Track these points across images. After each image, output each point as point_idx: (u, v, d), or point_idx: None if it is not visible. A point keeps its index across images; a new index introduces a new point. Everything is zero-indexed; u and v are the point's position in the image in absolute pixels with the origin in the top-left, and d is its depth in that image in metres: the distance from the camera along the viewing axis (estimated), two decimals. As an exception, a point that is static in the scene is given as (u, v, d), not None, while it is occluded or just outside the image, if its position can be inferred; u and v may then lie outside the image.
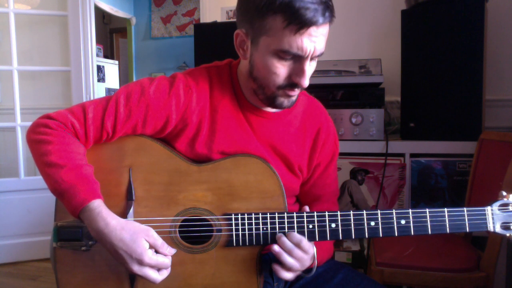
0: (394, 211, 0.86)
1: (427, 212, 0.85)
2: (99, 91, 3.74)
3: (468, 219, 0.85)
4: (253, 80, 0.89)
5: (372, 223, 0.85)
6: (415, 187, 1.75)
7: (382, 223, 0.85)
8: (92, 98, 2.16)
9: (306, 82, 0.84)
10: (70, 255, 0.89)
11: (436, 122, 1.72)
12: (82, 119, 0.87)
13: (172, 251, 0.85)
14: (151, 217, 0.89)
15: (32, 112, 2.50)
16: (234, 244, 0.87)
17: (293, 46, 0.79)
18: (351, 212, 0.86)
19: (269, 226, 0.86)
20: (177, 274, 0.87)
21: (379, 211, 0.86)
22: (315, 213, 0.86)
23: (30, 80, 2.71)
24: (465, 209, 0.85)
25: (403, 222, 0.85)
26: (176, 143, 0.93)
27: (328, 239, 0.87)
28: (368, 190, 1.80)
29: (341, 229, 0.86)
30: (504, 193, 0.86)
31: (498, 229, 0.85)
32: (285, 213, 0.87)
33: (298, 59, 0.83)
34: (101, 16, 6.69)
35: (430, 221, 0.85)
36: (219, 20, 2.75)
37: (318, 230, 0.86)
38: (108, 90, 5.21)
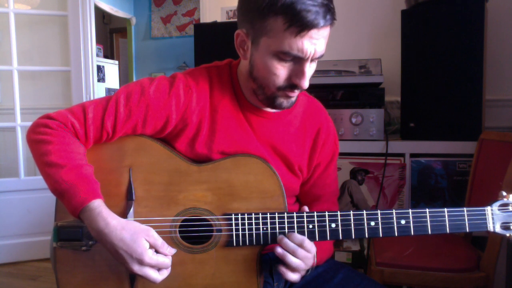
0: (394, 211, 0.86)
1: (427, 212, 0.85)
2: (99, 91, 3.74)
3: (468, 219, 0.85)
4: (253, 80, 0.89)
5: (372, 223, 0.85)
6: (415, 187, 1.75)
7: (382, 223, 0.85)
8: (92, 98, 2.16)
9: (306, 84, 0.84)
10: (70, 255, 0.89)
11: (436, 122, 1.72)
12: (82, 119, 0.87)
13: (172, 251, 0.85)
14: (151, 217, 0.89)
15: (32, 112, 2.50)
16: (234, 244, 0.87)
17: (294, 48, 0.79)
18: (351, 212, 0.86)
19: (269, 226, 0.86)
20: (177, 274, 0.87)
21: (379, 211, 0.86)
22: (315, 213, 0.86)
23: (30, 80, 2.71)
24: (465, 209, 0.85)
25: (403, 222, 0.85)
26: (176, 143, 0.93)
27: (328, 239, 0.87)
28: (368, 190, 1.80)
29: (341, 229, 0.86)
30: (504, 193, 0.86)
31: (498, 229, 0.85)
32: (285, 213, 0.87)
33: (298, 61, 0.83)
34: (101, 16, 6.69)
35: (430, 221, 0.85)
36: (219, 20, 2.75)
37: (318, 230, 0.86)
38: (108, 90, 5.20)
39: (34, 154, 0.86)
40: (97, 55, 4.08)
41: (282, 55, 0.81)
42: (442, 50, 1.69)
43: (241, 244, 0.87)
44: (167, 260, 0.83)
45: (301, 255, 0.84)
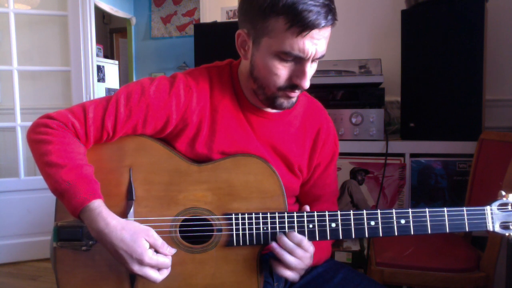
0: (394, 210, 0.86)
1: (427, 212, 0.85)
2: (99, 91, 3.74)
3: (468, 219, 0.85)
4: (254, 80, 0.89)
5: (372, 223, 0.86)
6: (415, 187, 1.75)
7: (382, 222, 0.85)
8: (92, 98, 2.16)
9: (306, 84, 0.84)
10: (70, 255, 0.89)
11: (436, 122, 1.72)
12: (83, 119, 0.87)
13: (172, 250, 0.85)
14: (152, 217, 0.89)
15: (32, 112, 2.50)
16: (235, 244, 0.87)
17: (295, 48, 0.79)
18: (351, 212, 0.86)
19: (269, 226, 0.87)
20: (177, 274, 0.87)
21: (379, 211, 0.86)
22: (315, 213, 0.86)
23: (30, 80, 2.71)
24: (464, 208, 0.86)
25: (403, 221, 0.85)
26: (176, 143, 0.93)
27: (328, 238, 0.87)
28: (368, 190, 1.80)
29: (341, 229, 0.86)
30: (503, 193, 0.86)
31: (497, 228, 0.85)
32: (285, 212, 0.87)
33: (299, 61, 0.83)
34: (101, 16, 6.69)
35: (430, 220, 0.85)
36: (219, 20, 2.75)
37: (318, 230, 0.86)
38: (108, 90, 5.20)
39: (34, 154, 0.86)
40: (97, 55, 4.09)
41: (283, 55, 0.81)
42: (442, 50, 1.69)
43: (241, 244, 0.87)
44: (167, 260, 0.83)
45: (299, 254, 0.84)
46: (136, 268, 0.80)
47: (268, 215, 0.87)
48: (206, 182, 0.89)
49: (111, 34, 7.13)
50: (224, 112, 0.93)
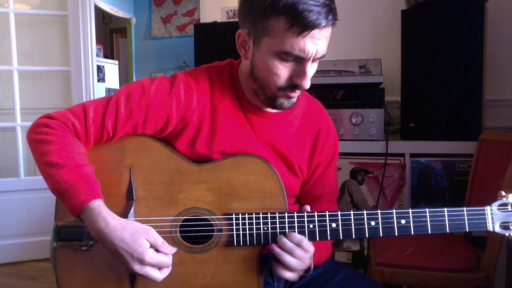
0: (394, 211, 0.86)
1: (427, 212, 0.85)
2: (99, 91, 3.74)
3: (468, 219, 0.85)
4: (254, 80, 0.89)
5: (373, 223, 0.86)
6: (415, 187, 1.75)
7: (382, 223, 0.85)
8: (92, 98, 2.16)
9: (307, 84, 0.84)
10: (70, 255, 0.89)
11: (436, 122, 1.72)
12: (83, 119, 0.87)
13: (173, 249, 0.85)
14: (152, 217, 0.89)
15: (32, 112, 2.50)
16: (235, 244, 0.87)
17: (295, 48, 0.79)
18: (352, 212, 0.86)
19: (269, 226, 0.87)
20: (177, 274, 0.87)
21: (379, 211, 0.86)
22: (316, 213, 0.86)
23: (30, 80, 2.71)
24: (464, 209, 0.86)
25: (403, 222, 0.85)
26: (176, 143, 0.93)
27: (329, 239, 0.87)
28: (368, 190, 1.80)
29: (342, 229, 0.86)
30: (503, 193, 0.87)
31: (497, 228, 0.85)
32: (286, 213, 0.87)
33: (299, 61, 0.83)
34: (101, 16, 6.69)
35: (430, 221, 0.85)
36: (219, 20, 2.75)
37: (318, 230, 0.86)
38: (108, 90, 5.20)
39: (35, 154, 0.86)
40: (97, 55, 4.09)
41: (284, 55, 0.81)
42: (442, 50, 1.69)
43: (241, 244, 0.87)
44: (167, 259, 0.83)
45: (298, 255, 0.84)
46: (137, 267, 0.80)
47: (268, 215, 0.87)
48: (206, 182, 0.89)
49: (111, 34, 7.13)
50: (224, 112, 0.93)
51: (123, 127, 0.89)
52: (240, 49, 0.90)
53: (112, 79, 5.45)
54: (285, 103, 0.89)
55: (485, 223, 0.85)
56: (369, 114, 1.77)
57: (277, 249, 0.85)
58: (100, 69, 5.07)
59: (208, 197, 0.89)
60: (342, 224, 0.86)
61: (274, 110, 0.96)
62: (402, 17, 1.78)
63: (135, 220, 0.87)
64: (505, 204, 0.86)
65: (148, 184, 0.90)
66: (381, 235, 0.85)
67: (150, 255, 0.81)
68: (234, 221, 0.88)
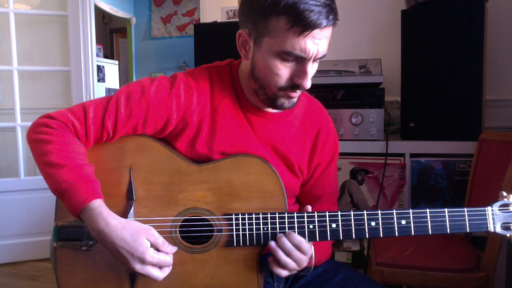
0: (394, 211, 0.86)
1: (428, 213, 0.85)
2: (99, 91, 3.74)
3: (469, 220, 0.85)
4: (254, 80, 0.89)
5: (373, 223, 0.85)
6: (415, 187, 1.75)
7: (382, 223, 0.85)
8: (92, 98, 2.16)
9: (308, 84, 0.84)
10: (70, 255, 0.89)
11: (436, 122, 1.72)
12: (83, 119, 0.87)
13: (173, 249, 0.85)
14: (152, 217, 0.89)
15: (32, 112, 2.50)
16: (235, 244, 0.87)
17: (296, 48, 0.79)
18: (352, 212, 0.86)
19: (269, 226, 0.86)
20: (177, 274, 0.87)
21: (379, 211, 0.86)
22: (316, 213, 0.86)
23: (30, 80, 2.71)
24: (465, 209, 0.85)
25: (403, 222, 0.85)
26: (176, 143, 0.93)
27: (329, 239, 0.87)
28: (368, 190, 1.80)
29: (342, 229, 0.86)
30: (505, 194, 0.86)
31: (498, 229, 0.85)
32: (286, 213, 0.87)
33: (300, 61, 0.83)
34: (101, 16, 6.69)
35: (431, 221, 0.85)
36: (219, 20, 2.75)
37: (318, 230, 0.86)
38: (108, 90, 5.20)
39: (35, 153, 0.86)
40: (97, 55, 4.08)
41: (285, 55, 0.81)
42: (442, 50, 1.69)
43: (241, 244, 0.87)
44: (168, 258, 0.84)
45: (296, 256, 0.84)
46: (138, 267, 0.80)
47: (268, 215, 0.87)
48: (206, 182, 0.89)
49: (111, 34, 7.12)
50: (225, 112, 0.93)
51: (123, 127, 0.89)
52: (241, 49, 0.90)
53: (112, 79, 5.45)
54: (286, 103, 0.89)
55: (486, 223, 0.85)
56: (369, 114, 1.77)
57: (273, 245, 0.85)
58: (100, 69, 5.07)
59: (208, 197, 0.89)
60: (342, 225, 0.86)
61: (274, 110, 0.96)
62: (402, 17, 1.78)
63: (135, 220, 0.87)
64: (507, 205, 0.86)
65: (148, 184, 0.90)
66: (381, 235, 0.85)
67: (151, 255, 0.81)
68: (234, 221, 0.87)
